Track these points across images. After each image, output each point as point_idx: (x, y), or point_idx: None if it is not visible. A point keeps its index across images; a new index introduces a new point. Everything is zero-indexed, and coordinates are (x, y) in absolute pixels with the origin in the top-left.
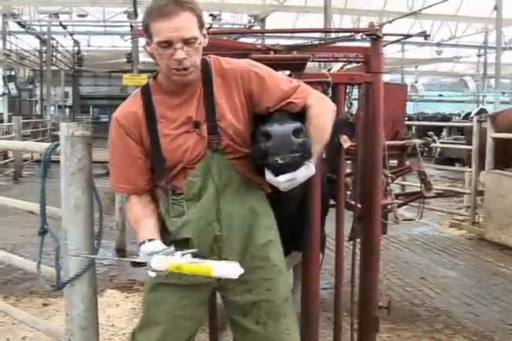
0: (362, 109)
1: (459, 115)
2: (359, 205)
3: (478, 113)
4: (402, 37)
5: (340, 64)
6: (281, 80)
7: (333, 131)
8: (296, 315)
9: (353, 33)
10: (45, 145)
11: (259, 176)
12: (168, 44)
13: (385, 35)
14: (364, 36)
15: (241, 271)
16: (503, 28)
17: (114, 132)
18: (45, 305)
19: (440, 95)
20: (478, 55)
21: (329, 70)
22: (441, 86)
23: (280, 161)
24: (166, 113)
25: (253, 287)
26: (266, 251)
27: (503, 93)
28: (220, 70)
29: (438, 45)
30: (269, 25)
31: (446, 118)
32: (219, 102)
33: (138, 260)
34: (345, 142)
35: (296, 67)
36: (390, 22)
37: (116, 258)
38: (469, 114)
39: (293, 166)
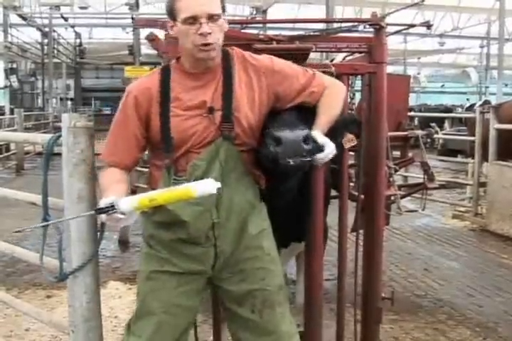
0: (365, 99)
1: (461, 106)
2: (362, 196)
3: (483, 105)
4: (405, 27)
5: (343, 54)
6: (300, 73)
7: (337, 129)
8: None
9: (355, 23)
10: (47, 136)
11: (259, 171)
12: (193, 19)
13: (388, 25)
14: (367, 26)
15: (218, 184)
16: (506, 19)
17: (124, 104)
18: (48, 296)
19: (442, 85)
20: (481, 47)
21: (331, 61)
22: (444, 77)
23: (292, 163)
24: (181, 94)
25: (248, 276)
26: (259, 241)
27: (506, 85)
28: (243, 63)
29: (440, 36)
30: (271, 16)
31: (448, 109)
32: (238, 93)
33: (102, 205)
34: (349, 142)
35: (298, 58)
36: (388, 14)
37: (70, 218)
38: (473, 105)
39: (301, 169)
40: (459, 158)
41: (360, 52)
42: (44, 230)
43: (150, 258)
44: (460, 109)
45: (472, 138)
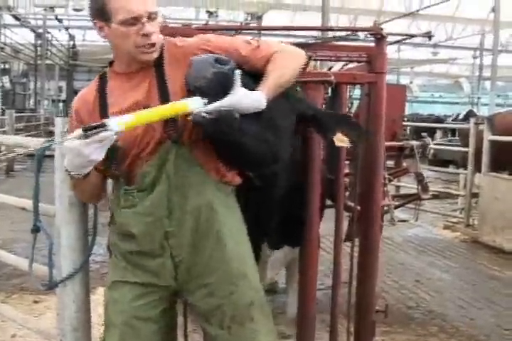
0: (364, 109)
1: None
2: (358, 207)
3: (467, 115)
4: (405, 37)
5: (341, 63)
6: (241, 45)
7: (327, 124)
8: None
9: (351, 32)
10: (40, 140)
11: (223, 166)
12: (134, 20)
13: (389, 34)
14: (369, 35)
15: (205, 100)
16: (499, 31)
17: (70, 119)
18: (35, 302)
19: (440, 96)
20: (474, 57)
21: (329, 69)
22: (436, 87)
23: (196, 84)
24: (118, 98)
25: (215, 290)
26: (225, 252)
27: (498, 95)
28: (173, 51)
29: (434, 46)
30: (266, 23)
31: (440, 119)
32: (172, 86)
33: (91, 125)
34: (340, 141)
35: None
36: (384, 23)
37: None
38: (459, 115)
39: (209, 93)
40: (451, 169)
41: (359, 62)
42: (34, 236)
43: (113, 266)
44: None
45: (465, 149)
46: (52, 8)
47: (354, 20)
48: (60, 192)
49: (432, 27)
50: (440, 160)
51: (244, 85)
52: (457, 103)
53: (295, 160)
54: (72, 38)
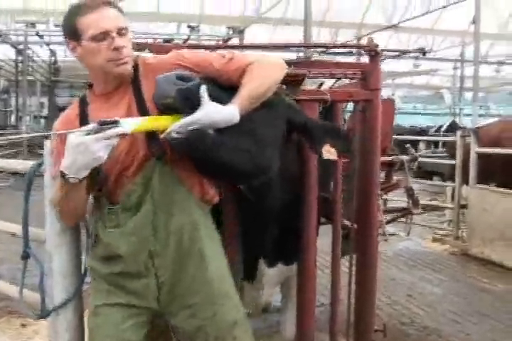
0: (358, 125)
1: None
2: (351, 224)
3: (450, 126)
4: (398, 53)
5: (332, 80)
6: (213, 59)
7: (315, 134)
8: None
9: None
10: (28, 163)
11: (206, 183)
12: (104, 35)
13: (383, 51)
14: (362, 51)
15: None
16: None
17: (55, 140)
18: (23, 325)
19: (415, 106)
20: (454, 68)
21: (319, 86)
22: (417, 98)
23: (162, 102)
24: (98, 118)
25: (197, 311)
26: (208, 272)
27: (481, 106)
28: (148, 68)
29: (416, 58)
30: (248, 37)
31: (423, 131)
32: (150, 104)
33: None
34: (327, 153)
35: (293, 84)
36: (362, 37)
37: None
38: (441, 126)
39: (178, 110)
40: (437, 181)
41: (352, 79)
42: (24, 263)
43: (95, 291)
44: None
45: (452, 161)
46: (33, 24)
47: (335, 34)
48: (51, 217)
49: (412, 39)
50: (424, 172)
51: (217, 99)
52: (438, 114)
53: (289, 171)
54: (53, 53)
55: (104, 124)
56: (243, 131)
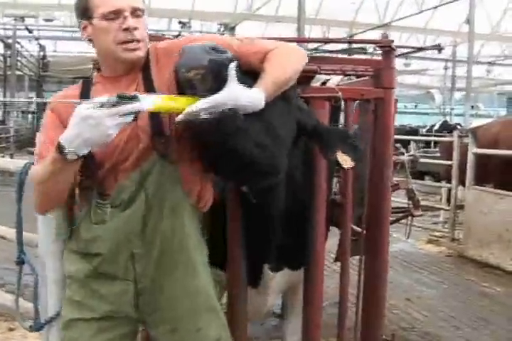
0: (371, 126)
1: (425, 127)
2: (360, 229)
3: (442, 125)
4: (414, 49)
5: (339, 77)
6: (232, 43)
7: (329, 140)
8: None
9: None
10: (20, 162)
11: (203, 188)
12: (115, 14)
13: (398, 47)
14: (377, 48)
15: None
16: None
17: (47, 115)
18: (11, 329)
19: (405, 106)
20: (445, 68)
21: (323, 83)
22: (408, 98)
23: (186, 74)
24: None
25: (179, 325)
26: (196, 283)
27: (472, 107)
28: (160, 52)
29: (406, 57)
30: (239, 34)
31: (414, 130)
32: (159, 89)
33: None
34: (346, 162)
35: (302, 80)
36: (354, 35)
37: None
38: (433, 126)
39: (201, 86)
40: (435, 182)
41: (362, 76)
42: (19, 269)
43: (68, 303)
44: (423, 130)
45: (448, 162)
46: (22, 18)
47: (327, 31)
48: (44, 222)
49: (404, 38)
50: (416, 172)
51: (240, 81)
52: (427, 114)
53: (294, 177)
54: (42, 48)
55: (123, 99)
56: (261, 121)
